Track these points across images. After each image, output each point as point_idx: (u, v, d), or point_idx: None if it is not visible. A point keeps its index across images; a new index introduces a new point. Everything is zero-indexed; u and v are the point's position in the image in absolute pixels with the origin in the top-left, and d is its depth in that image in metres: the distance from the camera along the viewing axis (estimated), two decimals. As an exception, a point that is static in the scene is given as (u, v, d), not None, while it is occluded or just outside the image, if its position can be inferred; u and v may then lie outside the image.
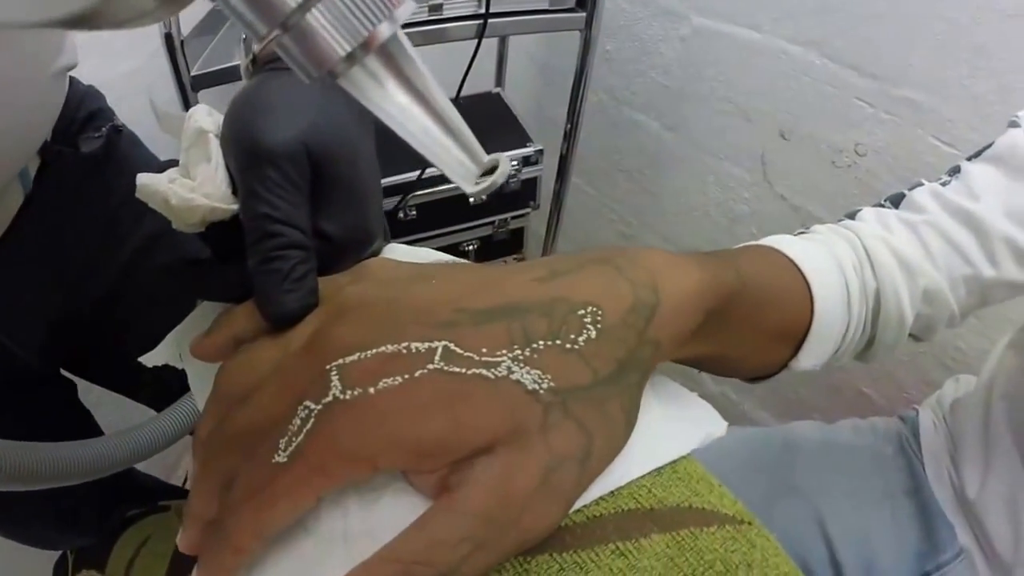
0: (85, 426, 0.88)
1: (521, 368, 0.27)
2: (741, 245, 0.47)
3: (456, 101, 1.22)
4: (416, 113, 0.24)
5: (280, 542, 0.27)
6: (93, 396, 0.90)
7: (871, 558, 0.70)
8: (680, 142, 1.47)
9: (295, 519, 0.26)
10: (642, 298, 0.30)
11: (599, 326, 0.29)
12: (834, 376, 1.31)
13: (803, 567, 0.70)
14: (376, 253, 0.39)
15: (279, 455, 0.26)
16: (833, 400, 1.33)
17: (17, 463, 0.52)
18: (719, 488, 0.32)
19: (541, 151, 1.31)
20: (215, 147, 0.34)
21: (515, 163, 1.29)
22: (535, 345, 0.27)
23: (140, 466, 0.61)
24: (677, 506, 0.30)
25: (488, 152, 0.27)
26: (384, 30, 0.21)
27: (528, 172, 1.32)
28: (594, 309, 0.29)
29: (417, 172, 1.16)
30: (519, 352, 0.27)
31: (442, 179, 1.23)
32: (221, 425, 0.29)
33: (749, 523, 0.31)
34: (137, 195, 0.33)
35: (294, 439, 0.26)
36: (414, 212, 1.24)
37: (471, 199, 1.27)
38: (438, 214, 1.28)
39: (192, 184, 0.33)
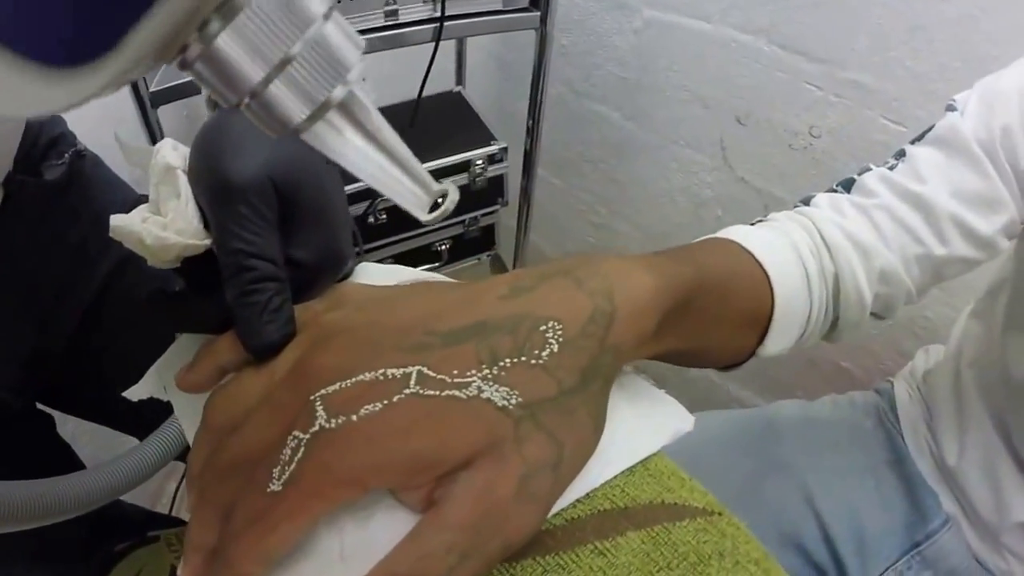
0: (66, 460, 0.86)
1: (491, 387, 0.28)
2: (699, 239, 0.49)
3: (418, 102, 1.22)
4: (372, 154, 0.25)
5: (278, 566, 0.28)
6: (68, 428, 0.88)
7: (861, 531, 0.71)
8: (641, 131, 1.48)
9: (297, 542, 0.27)
10: (600, 307, 0.31)
11: (560, 339, 0.30)
12: (812, 352, 1.33)
13: (796, 544, 0.71)
14: (348, 275, 0.40)
15: (273, 484, 0.27)
16: (813, 375, 1.35)
17: None
18: (690, 482, 0.34)
19: (505, 148, 1.31)
20: (183, 182, 0.34)
21: (480, 161, 1.29)
22: (502, 363, 0.29)
23: (124, 496, 0.60)
24: (650, 503, 0.31)
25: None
26: (338, 93, 0.22)
27: (494, 169, 1.32)
28: (555, 324, 0.30)
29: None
30: (487, 371, 0.29)
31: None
32: (214, 456, 0.30)
33: (719, 514, 0.33)
34: (111, 235, 0.34)
35: (287, 467, 0.27)
36: (384, 216, 1.24)
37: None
38: (408, 216, 1.26)
39: (164, 221, 0.34)
